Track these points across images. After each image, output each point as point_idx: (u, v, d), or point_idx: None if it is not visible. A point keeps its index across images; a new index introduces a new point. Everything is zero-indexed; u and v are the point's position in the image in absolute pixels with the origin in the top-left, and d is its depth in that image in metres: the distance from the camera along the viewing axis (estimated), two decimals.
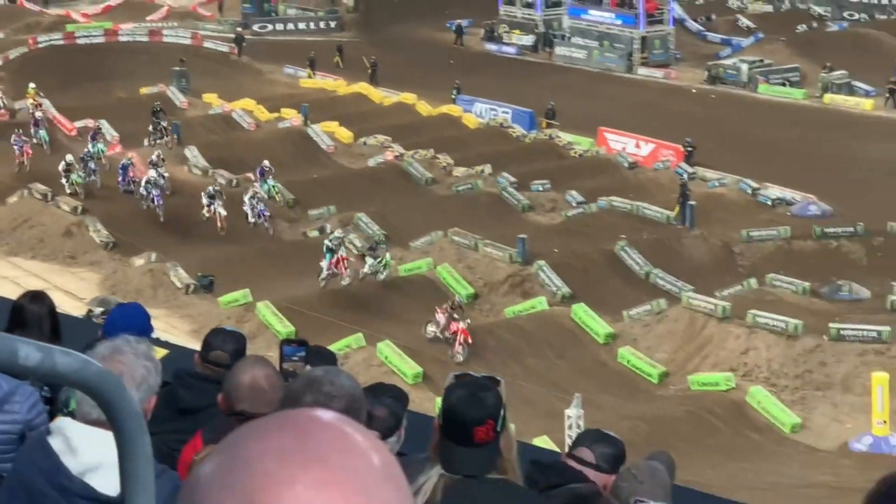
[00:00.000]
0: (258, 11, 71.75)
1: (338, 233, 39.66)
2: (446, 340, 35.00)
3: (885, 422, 32.19)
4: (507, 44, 68.78)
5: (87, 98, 54.72)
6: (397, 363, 33.24)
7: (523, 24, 69.31)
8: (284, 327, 34.74)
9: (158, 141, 49.76)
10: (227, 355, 6.20)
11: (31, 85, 53.63)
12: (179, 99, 56.59)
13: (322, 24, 71.65)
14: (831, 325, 35.81)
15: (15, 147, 46.65)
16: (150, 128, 50.59)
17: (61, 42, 63.28)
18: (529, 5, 69.41)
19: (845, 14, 71.10)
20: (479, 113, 56.06)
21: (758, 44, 66.09)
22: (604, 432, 5.55)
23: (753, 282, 39.40)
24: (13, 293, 7.30)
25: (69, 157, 45.15)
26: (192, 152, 48.60)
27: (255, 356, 6.19)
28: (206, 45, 65.05)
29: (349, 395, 4.31)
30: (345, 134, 52.47)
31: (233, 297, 38.09)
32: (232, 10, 72.89)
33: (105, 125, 50.25)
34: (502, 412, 4.50)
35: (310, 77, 61.72)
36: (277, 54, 64.24)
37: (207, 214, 42.44)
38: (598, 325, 36.84)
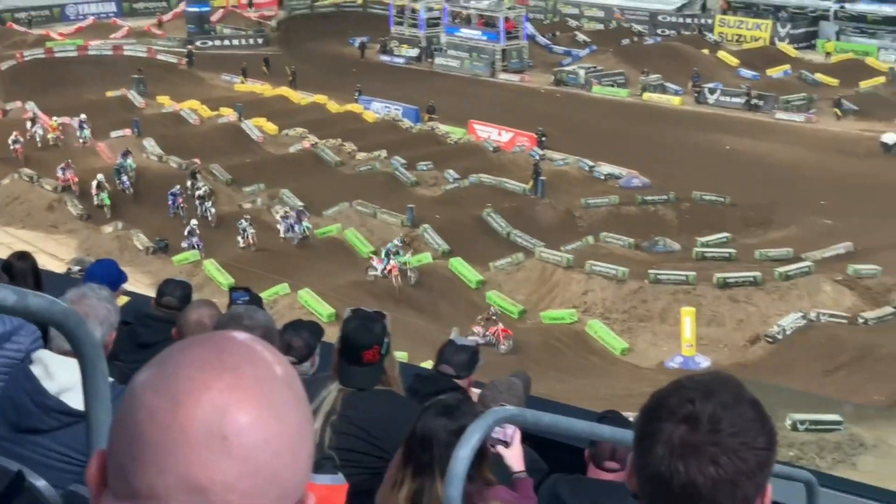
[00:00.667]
0: (200, 31, 71.04)
1: (396, 241, 37.58)
2: (489, 343, 32.50)
3: (691, 345, 32.78)
4: (398, 55, 68.53)
5: (63, 100, 53.70)
6: (315, 306, 33.10)
7: (410, 40, 69.14)
8: (226, 279, 34.50)
9: (195, 206, 41.76)
10: (175, 300, 6.32)
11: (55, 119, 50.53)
12: (138, 100, 55.81)
13: (252, 41, 71.00)
14: (650, 271, 36.27)
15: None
16: (189, 191, 42.51)
17: (42, 56, 62.07)
18: (414, 25, 69.29)
19: (658, 31, 71.87)
20: (376, 110, 55.91)
21: (592, 54, 66.50)
22: (457, 343, 5.60)
23: (590, 239, 39.75)
24: (5, 255, 7.23)
25: (100, 177, 42.02)
26: (149, 143, 47.99)
27: (203, 300, 6.27)
28: (159, 57, 64.25)
29: (265, 327, 4.49)
30: (271, 127, 52.13)
31: (184, 256, 37.88)
32: (178, 29, 72.04)
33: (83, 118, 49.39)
34: (386, 339, 4.59)
35: (242, 83, 61.14)
36: (216, 65, 63.61)
37: (243, 244, 39.06)
38: (470, 274, 36.99)
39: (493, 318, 33.68)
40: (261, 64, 63.58)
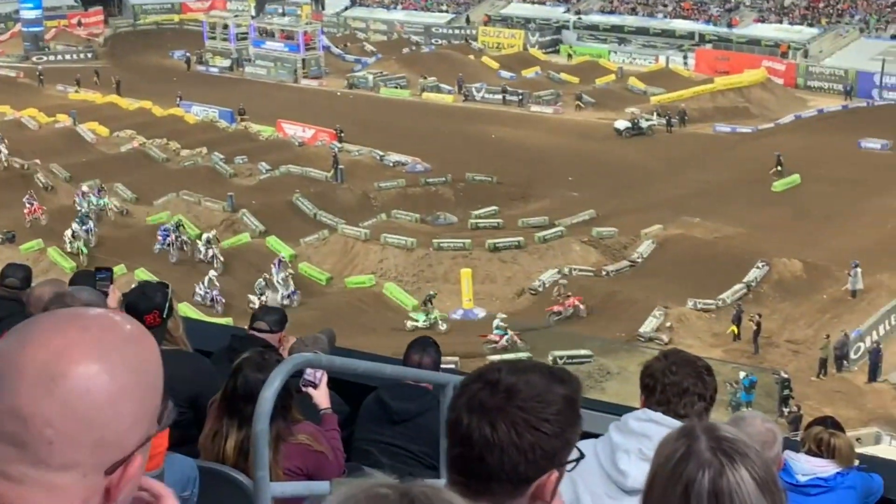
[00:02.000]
0: (35, 48, 67.94)
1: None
2: (569, 317, 32.23)
3: (470, 299, 33.28)
4: (213, 66, 66.98)
5: None
6: (143, 277, 32.21)
7: (223, 52, 67.69)
8: (68, 263, 33.24)
9: (174, 251, 36.60)
10: (17, 281, 6.11)
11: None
12: None
13: (83, 55, 68.36)
14: (434, 240, 36.63)
15: None
16: (172, 239, 36.63)
17: None
18: (226, 39, 67.85)
19: (433, 41, 72.35)
20: (196, 113, 54.59)
21: (378, 61, 66.38)
22: (269, 307, 5.64)
23: (384, 216, 39.85)
24: None
25: (75, 226, 36.40)
26: None
27: (50, 279, 6.14)
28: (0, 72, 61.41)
29: (86, 303, 4.36)
30: (103, 130, 50.31)
31: (29, 245, 36.32)
32: (16, 47, 68.68)
33: None
34: (168, 304, 4.58)
35: (76, 92, 58.82)
36: (52, 77, 60.96)
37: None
38: (284, 249, 36.62)
39: (564, 292, 32.76)
40: (92, 75, 61.30)
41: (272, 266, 33.94)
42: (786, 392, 27.19)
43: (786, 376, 27.62)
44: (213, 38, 68.50)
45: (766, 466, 1.79)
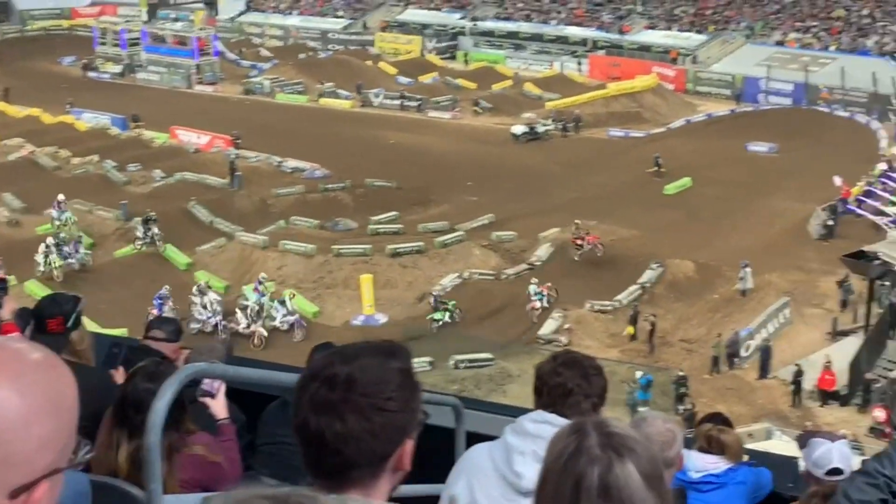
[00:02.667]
0: None
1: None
2: (587, 252, 34.74)
3: (371, 305, 33.20)
4: (104, 72, 65.56)
5: None
6: (38, 291, 31.31)
7: (114, 58, 66.33)
8: None
9: (146, 245, 36.57)
10: None
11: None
12: None
13: None
14: (333, 246, 36.48)
15: None
16: (139, 233, 36.84)
17: None
18: (117, 45, 66.49)
19: (329, 46, 72.07)
20: (87, 120, 53.37)
21: (275, 67, 65.76)
22: (165, 317, 5.56)
23: (283, 222, 39.53)
24: None
25: (49, 241, 34.97)
26: None
27: None
28: None
29: None
30: None
31: None
32: None
33: None
34: (76, 315, 4.51)
35: None
36: None
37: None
38: (181, 258, 36.12)
39: (585, 230, 35.04)
40: None
41: (254, 288, 32.81)
42: (682, 390, 27.79)
43: (682, 374, 28.24)
44: (104, 44, 67.12)
45: (652, 461, 1.82)
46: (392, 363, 1.96)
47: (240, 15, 78.67)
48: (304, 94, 60.50)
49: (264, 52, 69.75)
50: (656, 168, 44.25)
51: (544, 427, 2.93)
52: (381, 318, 32.69)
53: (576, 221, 35.69)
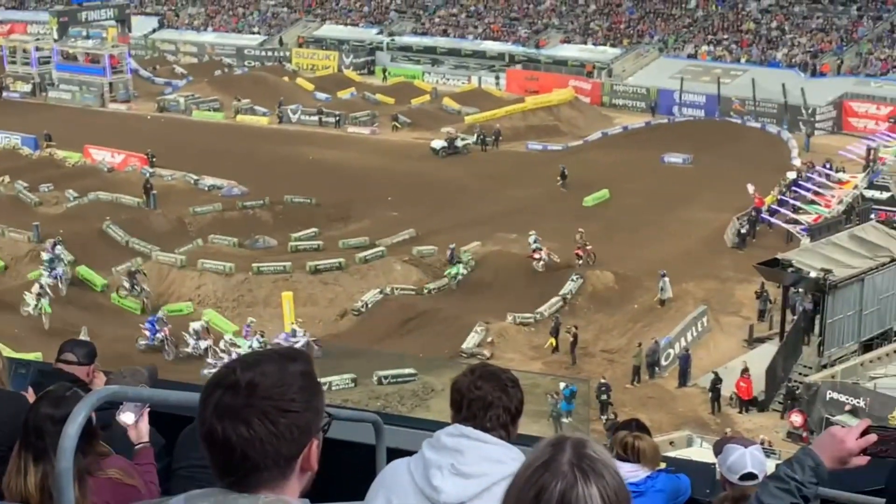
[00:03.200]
0: None
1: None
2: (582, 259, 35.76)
3: (293, 323, 32.87)
4: (14, 91, 64.24)
5: None
6: None
7: (24, 77, 64.96)
8: None
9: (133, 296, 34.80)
10: None
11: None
12: None
13: None
14: (254, 264, 36.19)
15: None
16: (126, 284, 34.94)
17: None
18: (27, 63, 65.13)
19: (245, 63, 71.63)
20: None
21: (189, 84, 65.10)
22: (76, 339, 5.44)
23: (200, 241, 39.06)
24: None
25: (44, 281, 33.82)
26: None
27: None
28: None
29: None
30: None
31: None
32: None
33: None
34: None
35: None
36: None
37: None
38: (97, 279, 35.52)
39: (585, 240, 35.89)
40: None
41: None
42: (604, 398, 28.10)
43: (604, 381, 28.55)
44: (14, 63, 65.73)
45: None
46: (293, 367, 2.01)
47: (153, 32, 77.79)
48: (220, 111, 59.96)
49: (179, 69, 69.04)
50: (561, 179, 45.02)
51: (461, 441, 2.95)
52: (303, 337, 32.45)
53: (579, 230, 36.54)
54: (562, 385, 27.92)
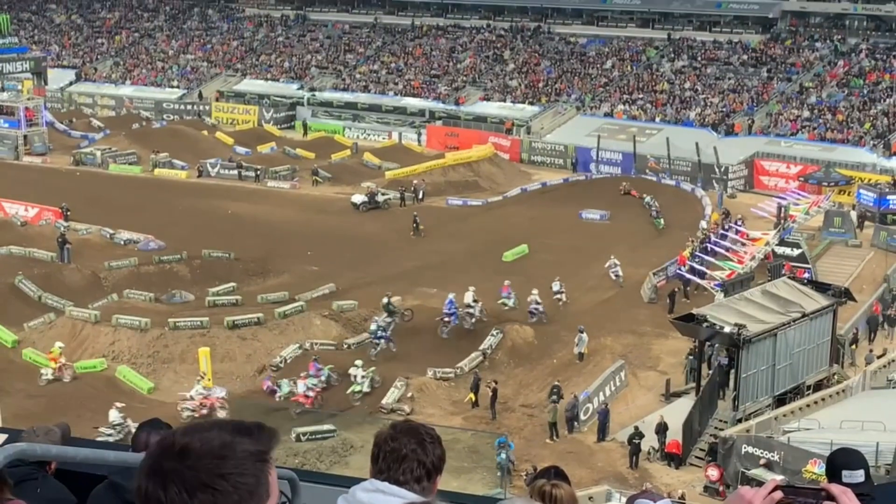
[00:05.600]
0: None
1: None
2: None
3: (209, 379, 32.33)
4: None
5: None
6: None
7: None
8: None
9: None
10: None
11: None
12: None
13: None
14: (170, 319, 35.59)
15: None
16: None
17: None
18: None
19: (164, 116, 71.19)
20: None
21: (107, 137, 64.37)
22: None
23: (115, 296, 38.35)
24: None
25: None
26: None
27: None
28: None
29: None
30: None
31: None
32: None
33: None
34: None
35: None
36: None
37: None
38: (6, 335, 34.59)
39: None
40: None
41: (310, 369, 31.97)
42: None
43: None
44: None
45: None
46: (242, 442, 1.90)
47: (70, 85, 77.05)
48: (137, 165, 59.37)
49: (96, 122, 68.40)
50: (414, 226, 46.67)
51: (376, 496, 2.95)
52: (220, 392, 31.95)
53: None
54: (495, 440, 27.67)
